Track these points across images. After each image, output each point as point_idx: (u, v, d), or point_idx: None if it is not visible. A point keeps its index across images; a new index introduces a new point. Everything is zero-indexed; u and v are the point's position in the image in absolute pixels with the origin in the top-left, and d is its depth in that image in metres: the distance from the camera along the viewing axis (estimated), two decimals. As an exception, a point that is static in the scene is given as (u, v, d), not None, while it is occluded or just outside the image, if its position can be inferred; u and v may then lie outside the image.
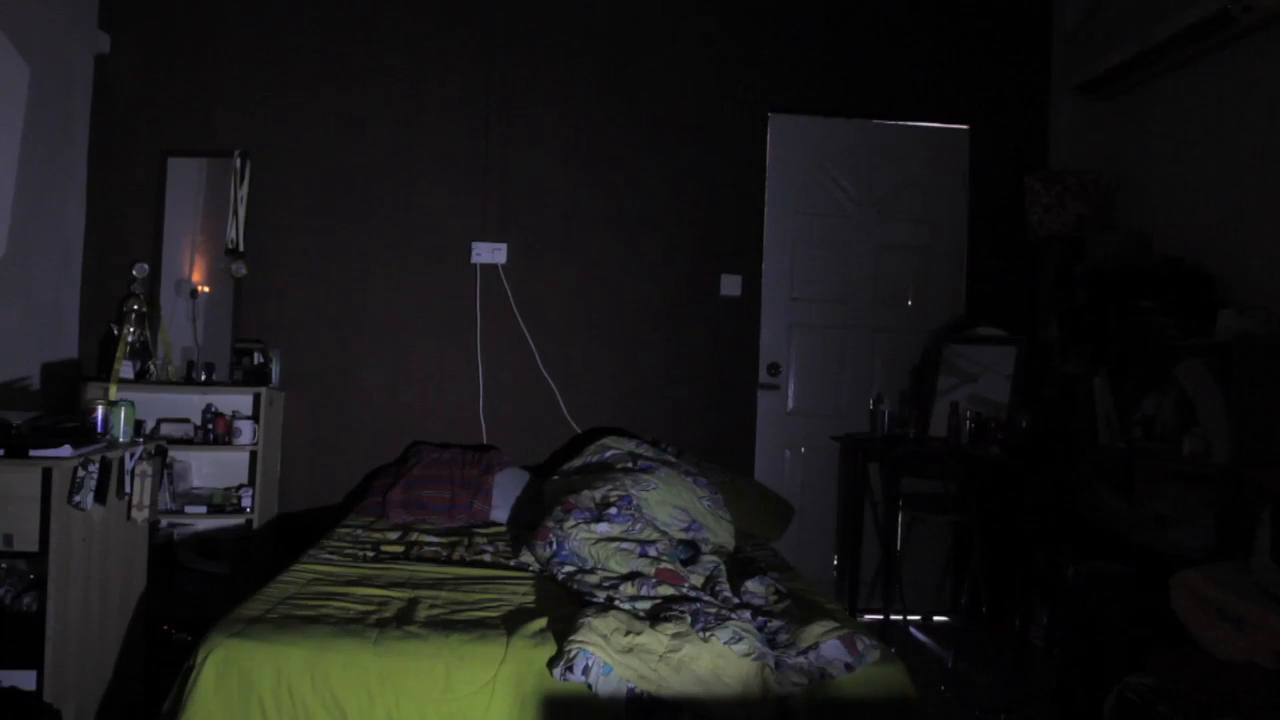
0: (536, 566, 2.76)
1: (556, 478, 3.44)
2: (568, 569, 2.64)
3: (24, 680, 2.18)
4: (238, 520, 3.62)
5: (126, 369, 3.47)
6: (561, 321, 4.05)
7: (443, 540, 3.09)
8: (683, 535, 2.91)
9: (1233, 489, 2.69)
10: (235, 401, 3.73)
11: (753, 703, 2.00)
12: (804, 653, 2.07)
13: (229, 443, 3.58)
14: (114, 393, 2.90)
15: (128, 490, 2.54)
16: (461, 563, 2.82)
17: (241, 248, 3.82)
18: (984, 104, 4.23)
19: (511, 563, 2.83)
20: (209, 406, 3.66)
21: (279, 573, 2.59)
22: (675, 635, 2.10)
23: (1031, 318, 4.10)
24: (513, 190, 4.04)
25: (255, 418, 3.62)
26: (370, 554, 2.87)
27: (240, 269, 3.78)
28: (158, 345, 3.70)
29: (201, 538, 3.72)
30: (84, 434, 2.47)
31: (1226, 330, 2.85)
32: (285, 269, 3.91)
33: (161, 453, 2.87)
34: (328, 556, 2.81)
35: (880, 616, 3.85)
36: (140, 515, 2.62)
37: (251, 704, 1.96)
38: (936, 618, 4.13)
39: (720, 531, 3.04)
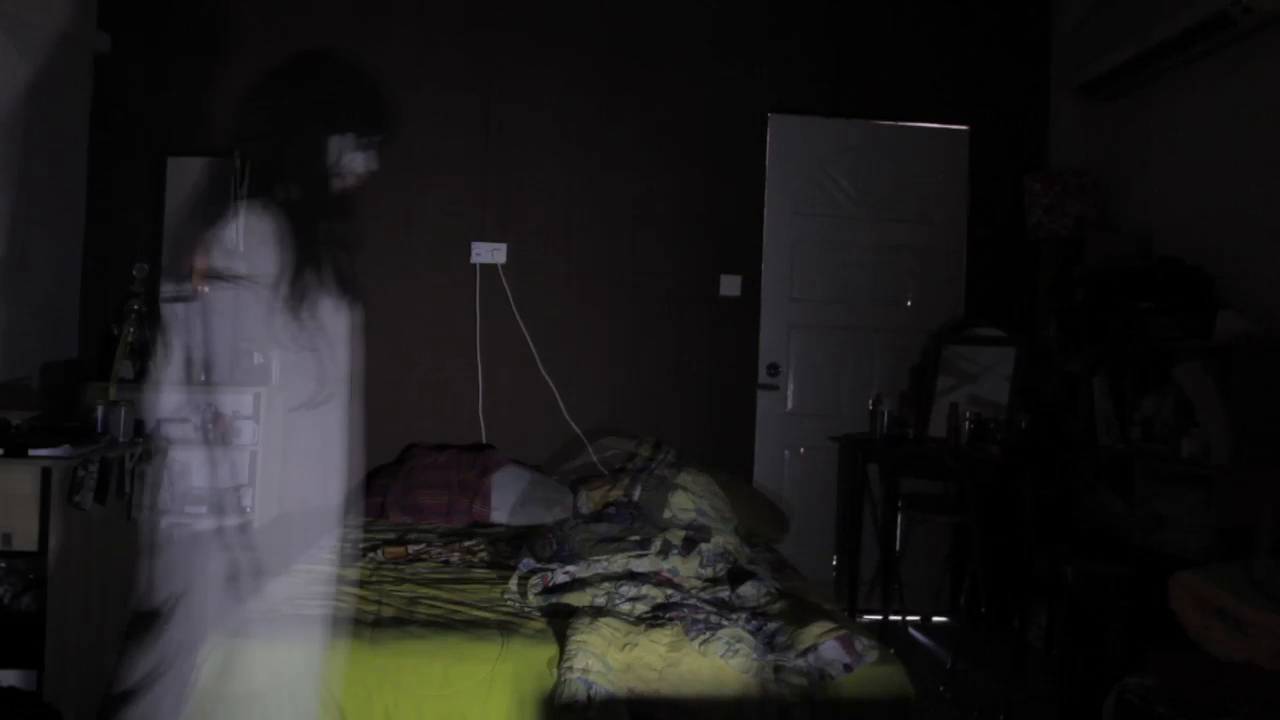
0: (536, 566, 2.76)
1: (556, 478, 3.44)
2: (568, 568, 2.64)
3: (23, 680, 2.18)
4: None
5: (126, 369, 3.47)
6: (561, 321, 4.05)
7: (442, 540, 3.09)
8: (682, 536, 2.91)
9: (1232, 489, 2.69)
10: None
11: (752, 707, 2.00)
12: (803, 654, 2.07)
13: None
14: (114, 393, 2.90)
15: (127, 490, 2.54)
16: (461, 563, 2.82)
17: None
18: (984, 104, 4.23)
19: (511, 563, 2.83)
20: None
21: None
22: (673, 645, 2.10)
23: (1031, 318, 4.10)
24: (513, 190, 4.04)
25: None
26: (370, 554, 2.87)
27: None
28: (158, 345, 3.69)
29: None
30: (84, 434, 2.47)
31: (1226, 331, 2.85)
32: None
33: (161, 453, 2.87)
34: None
35: (879, 617, 3.85)
36: (140, 515, 2.62)
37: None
38: (936, 618, 4.13)
39: (720, 533, 3.04)
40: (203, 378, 1.39)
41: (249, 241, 1.37)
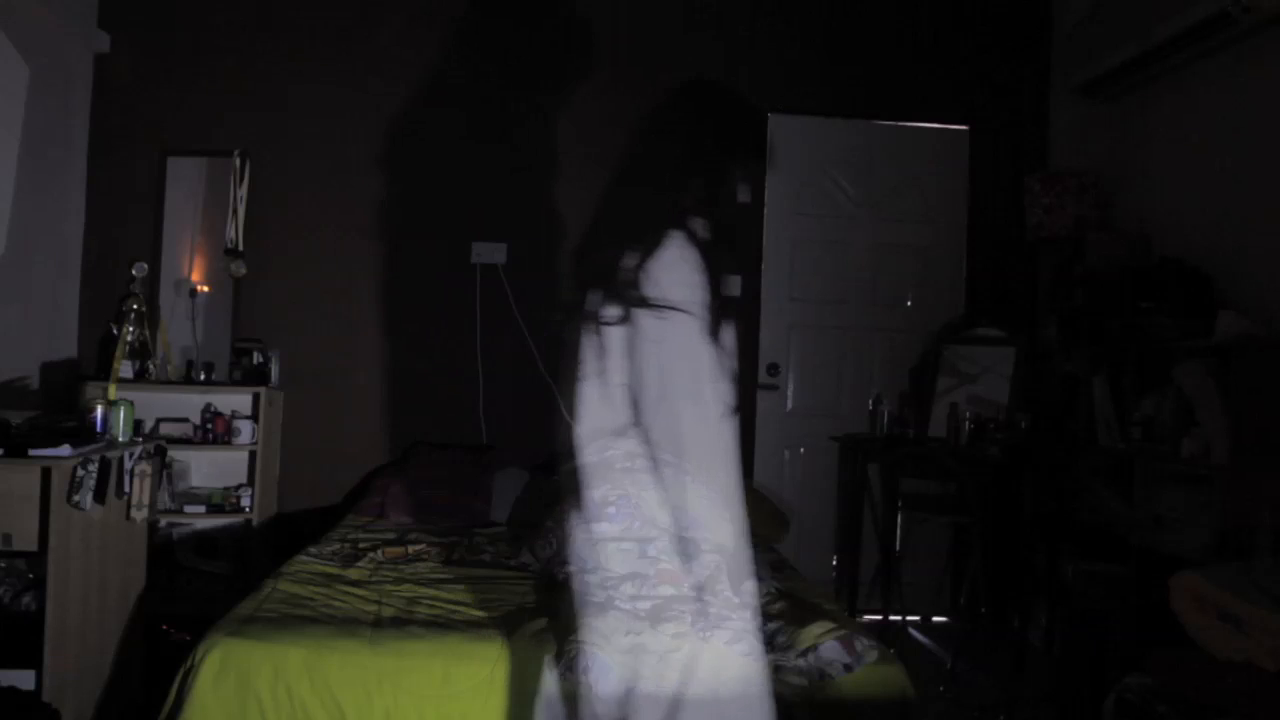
0: (536, 566, 2.76)
1: (556, 477, 3.44)
2: (567, 569, 2.64)
3: (23, 680, 2.18)
4: (237, 520, 3.62)
5: (126, 369, 3.47)
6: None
7: (442, 540, 3.09)
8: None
9: (1232, 489, 2.69)
10: (235, 401, 3.72)
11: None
12: (803, 654, 2.07)
13: (228, 442, 3.58)
14: (113, 392, 2.90)
15: (127, 490, 2.54)
16: (461, 563, 2.82)
17: (241, 247, 3.81)
18: (984, 104, 4.23)
19: (511, 563, 2.83)
20: (208, 406, 3.66)
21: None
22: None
23: (1031, 318, 4.09)
24: (513, 190, 4.04)
25: (255, 417, 3.62)
26: (370, 554, 2.87)
27: (240, 269, 3.78)
28: (157, 345, 3.69)
29: (201, 537, 3.72)
30: (83, 434, 2.46)
31: (1226, 331, 2.85)
32: (285, 269, 3.91)
33: (161, 452, 2.87)
34: (327, 556, 2.81)
35: (879, 617, 3.85)
36: (139, 515, 2.62)
37: (249, 703, 1.96)
38: (936, 618, 4.13)
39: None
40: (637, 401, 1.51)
41: (670, 272, 1.48)
